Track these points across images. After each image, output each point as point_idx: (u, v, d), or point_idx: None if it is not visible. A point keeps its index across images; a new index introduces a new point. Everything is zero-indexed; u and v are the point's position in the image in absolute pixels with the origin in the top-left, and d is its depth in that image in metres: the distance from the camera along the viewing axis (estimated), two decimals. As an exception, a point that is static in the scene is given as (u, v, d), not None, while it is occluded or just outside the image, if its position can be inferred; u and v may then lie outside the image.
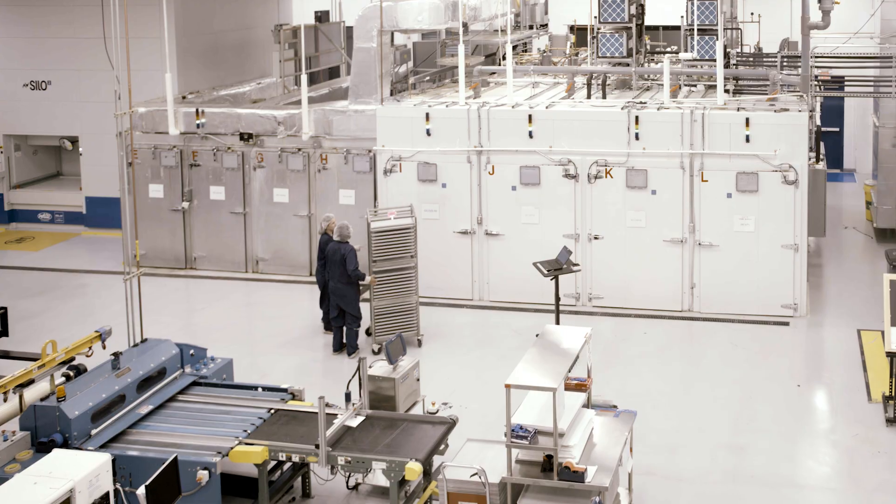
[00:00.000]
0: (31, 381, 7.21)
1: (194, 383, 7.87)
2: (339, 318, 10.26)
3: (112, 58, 8.84)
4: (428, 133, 11.92)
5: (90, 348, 7.77)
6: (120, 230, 13.61)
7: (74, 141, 15.63)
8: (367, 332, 10.35)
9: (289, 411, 7.45)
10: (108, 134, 14.24)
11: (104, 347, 7.92)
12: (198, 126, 13.05)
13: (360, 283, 10.02)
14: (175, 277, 12.98)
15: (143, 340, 8.08)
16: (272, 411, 7.44)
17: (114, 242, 14.26)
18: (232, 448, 6.86)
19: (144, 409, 7.35)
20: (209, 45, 15.43)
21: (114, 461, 6.28)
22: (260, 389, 7.82)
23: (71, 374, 7.40)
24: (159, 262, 13.27)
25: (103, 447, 6.84)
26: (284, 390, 7.80)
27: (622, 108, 11.60)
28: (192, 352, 8.13)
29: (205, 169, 13.17)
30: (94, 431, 6.98)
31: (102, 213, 15.06)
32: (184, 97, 14.24)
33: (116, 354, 7.56)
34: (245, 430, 7.10)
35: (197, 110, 13.08)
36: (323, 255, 10.52)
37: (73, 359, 7.62)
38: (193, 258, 13.27)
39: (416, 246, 10.21)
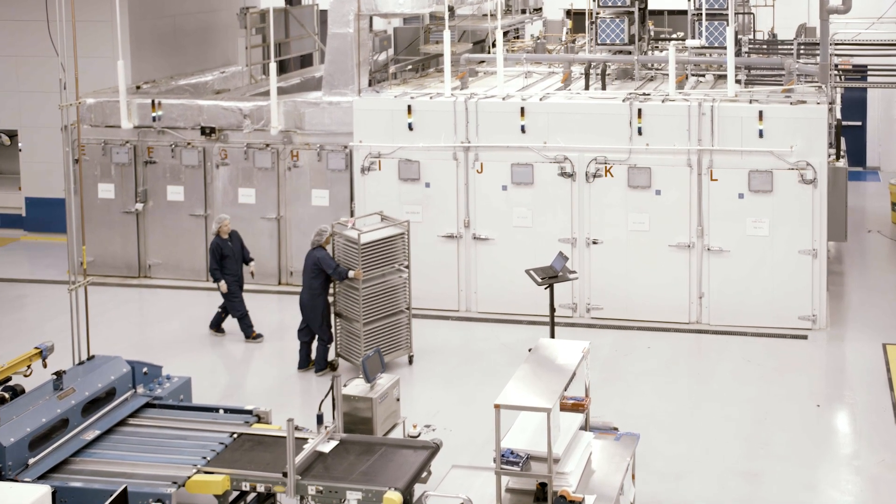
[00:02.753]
0: (-38, 404, 7.11)
1: (147, 405, 7.81)
2: (306, 332, 10.20)
3: (57, 43, 8.77)
4: (410, 127, 11.91)
5: (29, 367, 7.68)
6: (65, 235, 13.49)
7: (13, 135, 15.46)
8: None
9: (253, 436, 7.41)
10: (51, 128, 14.14)
11: (45, 366, 7.84)
12: (154, 119, 12.99)
13: (348, 279, 9.91)
14: (127, 287, 12.90)
15: (90, 358, 8.01)
16: (235, 436, 7.40)
17: (57, 248, 14.14)
18: (189, 477, 6.81)
19: (90, 435, 7.28)
20: (167, 30, 15.37)
21: (54, 494, 6.21)
22: (221, 411, 7.79)
23: (6, 395, 7.31)
24: (109, 271, 13.18)
25: (42, 478, 6.76)
26: (249, 412, 7.76)
27: (623, 101, 11.65)
28: (145, 370, 8.07)
29: (161, 166, 13.11)
30: (31, 460, 6.89)
31: (45, 216, 14.94)
32: (138, 87, 14.18)
33: (59, 373, 7.48)
34: (204, 458, 7.05)
35: (153, 101, 13.02)
36: (220, 258, 10.83)
37: (9, 378, 7.54)
38: (148, 266, 13.19)
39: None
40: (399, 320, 10.26)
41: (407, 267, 10.29)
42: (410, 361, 10.42)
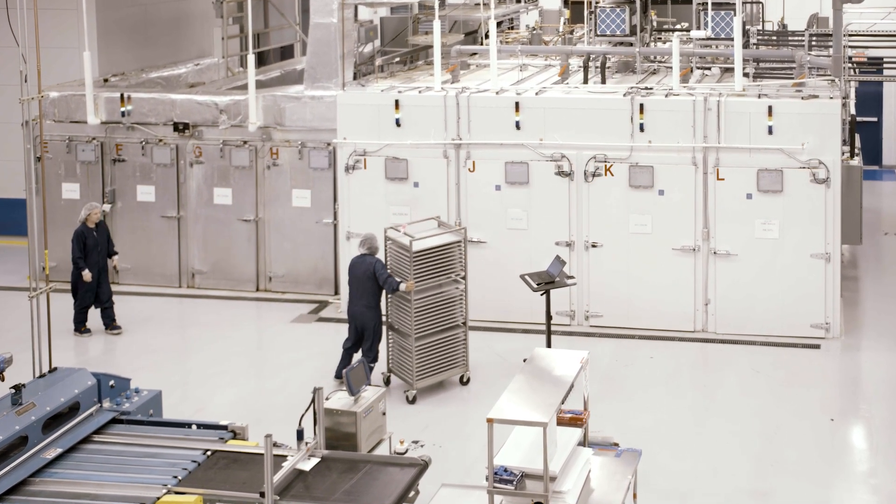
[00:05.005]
0: (-88, 420, 7.04)
1: (114, 420, 7.75)
2: (356, 346, 10.02)
3: (17, 32, 8.71)
4: (397, 123, 11.90)
5: (-14, 379, 7.61)
6: (25, 238, 13.39)
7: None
8: (386, 382, 10.08)
9: (229, 453, 7.37)
10: (11, 123, 14.04)
11: (2, 379, 7.77)
12: (123, 114, 12.95)
13: (397, 292, 9.76)
14: (94, 294, 12.83)
15: (52, 370, 7.95)
16: (208, 453, 7.35)
17: (18, 253, 14.07)
18: (159, 498, 6.76)
19: (51, 453, 7.21)
20: (137, 18, 15.32)
21: (12, 516, 6.13)
22: (194, 427, 7.74)
23: (-38, 410, 7.23)
24: (75, 276, 13.11)
25: None
26: (224, 427, 7.71)
27: (624, 95, 11.66)
28: (112, 383, 8.02)
29: (131, 165, 13.06)
30: (-12, 480, 6.82)
31: (4, 218, 14.84)
32: (106, 80, 14.13)
33: (18, 387, 7.41)
34: (175, 477, 7.00)
35: (122, 95, 12.98)
36: (83, 247, 11.17)
37: (-36, 392, 7.46)
38: (116, 271, 13.11)
39: (411, 274, 9.66)
40: (455, 335, 10.00)
41: (464, 278, 10.05)
42: (464, 382, 10.12)
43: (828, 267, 11.15)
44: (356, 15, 13.65)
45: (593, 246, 11.58)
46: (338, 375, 10.11)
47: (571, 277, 10.45)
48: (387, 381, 10.07)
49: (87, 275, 11.19)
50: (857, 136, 13.18)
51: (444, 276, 9.97)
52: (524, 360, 7.41)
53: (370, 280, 9.80)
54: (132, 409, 7.92)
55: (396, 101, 11.91)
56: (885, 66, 14.85)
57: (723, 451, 8.91)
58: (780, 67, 13.69)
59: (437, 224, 10.38)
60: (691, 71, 13.39)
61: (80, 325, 11.43)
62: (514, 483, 6.27)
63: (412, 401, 9.75)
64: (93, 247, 11.33)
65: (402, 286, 9.69)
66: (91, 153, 13.07)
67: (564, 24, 16.86)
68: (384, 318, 10.07)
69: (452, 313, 10.03)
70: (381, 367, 10.19)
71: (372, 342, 9.94)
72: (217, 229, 12.91)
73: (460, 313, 10.07)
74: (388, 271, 9.85)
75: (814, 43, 14.34)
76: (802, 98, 11.35)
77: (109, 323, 11.55)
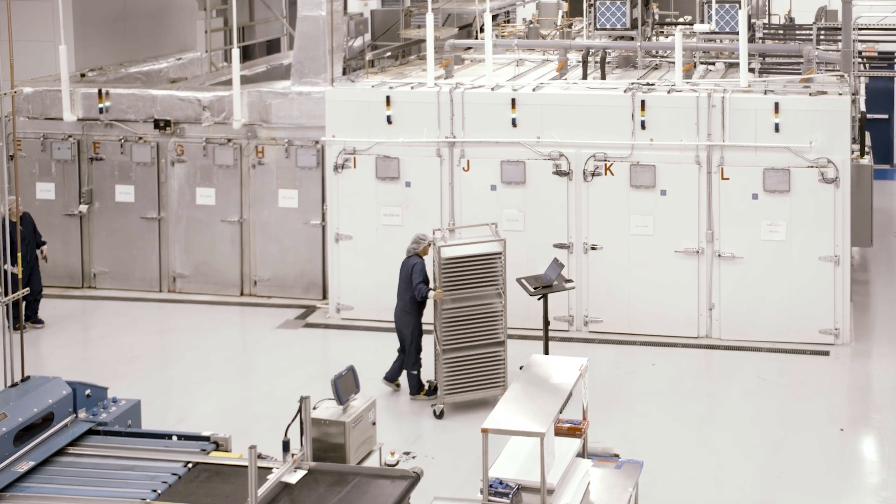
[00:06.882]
0: None
1: (90, 432, 7.71)
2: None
3: (-11, 24, 8.70)
4: (389, 120, 11.90)
5: (-45, 389, 7.57)
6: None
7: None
8: (432, 389, 9.97)
9: (211, 465, 7.34)
10: (-15, 120, 14.02)
11: (-26, 387, 7.74)
12: (100, 111, 12.94)
13: (425, 298, 9.73)
14: (69, 299, 12.82)
15: (25, 379, 7.90)
16: (190, 465, 7.32)
17: (-8, 255, 14.02)
18: (137, 513, 6.71)
19: (24, 467, 7.17)
20: (116, 11, 15.31)
21: (-18, 532, 6.08)
22: (175, 438, 7.71)
23: (-71, 421, 7.19)
24: (48, 280, 13.04)
25: (-31, 515, 6.65)
26: (206, 439, 7.68)
27: (625, 91, 11.67)
28: (88, 392, 7.98)
29: (109, 164, 13.04)
30: (-43, 495, 6.78)
31: (-25, 220, 14.80)
32: (83, 75, 14.12)
33: (-11, 396, 7.37)
34: (155, 491, 6.97)
35: (100, 91, 12.97)
36: (24, 240, 11.22)
37: (-68, 402, 7.41)
38: (93, 275, 13.11)
39: (440, 283, 9.54)
40: (493, 353, 9.85)
41: (503, 292, 9.90)
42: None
43: (837, 270, 11.16)
44: (345, 7, 13.68)
45: (593, 248, 11.58)
46: (386, 377, 10.07)
47: (570, 281, 10.45)
48: (433, 389, 9.95)
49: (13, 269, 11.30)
50: (867, 134, 13.22)
51: (479, 288, 9.80)
52: (521, 368, 7.40)
53: (409, 282, 9.84)
54: (109, 419, 7.88)
55: (387, 98, 11.90)
56: (896, 61, 14.89)
57: (727, 463, 8.90)
58: (787, 63, 13.73)
59: (492, 231, 10.22)
60: (694, 66, 13.41)
61: (17, 322, 11.36)
62: (510, 496, 6.25)
63: (439, 415, 9.71)
64: (20, 240, 11.30)
65: (431, 294, 9.67)
66: (67, 151, 13.04)
67: (563, 17, 16.89)
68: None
69: (491, 328, 9.84)
70: (427, 376, 10.13)
71: (408, 350, 9.89)
72: (200, 231, 12.89)
73: (500, 329, 9.88)
74: (425, 276, 9.83)
75: (822, 37, 14.40)
76: (810, 94, 11.37)
77: (32, 315, 11.62)
